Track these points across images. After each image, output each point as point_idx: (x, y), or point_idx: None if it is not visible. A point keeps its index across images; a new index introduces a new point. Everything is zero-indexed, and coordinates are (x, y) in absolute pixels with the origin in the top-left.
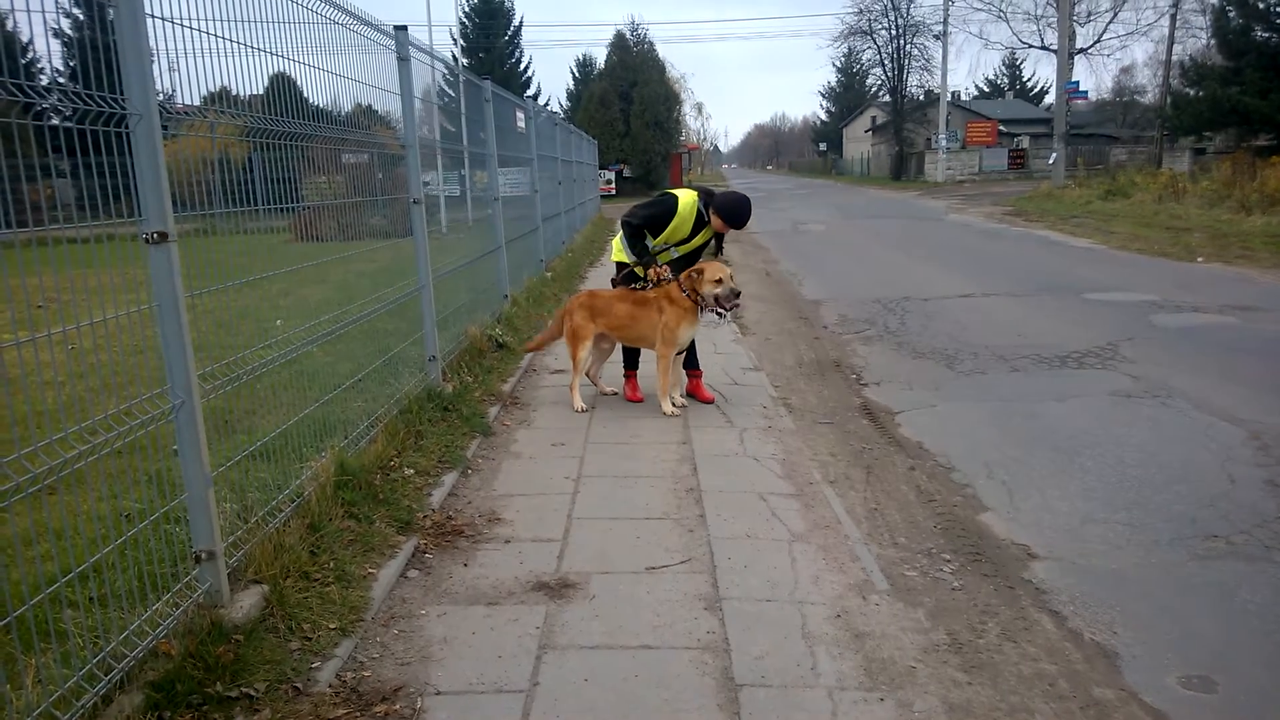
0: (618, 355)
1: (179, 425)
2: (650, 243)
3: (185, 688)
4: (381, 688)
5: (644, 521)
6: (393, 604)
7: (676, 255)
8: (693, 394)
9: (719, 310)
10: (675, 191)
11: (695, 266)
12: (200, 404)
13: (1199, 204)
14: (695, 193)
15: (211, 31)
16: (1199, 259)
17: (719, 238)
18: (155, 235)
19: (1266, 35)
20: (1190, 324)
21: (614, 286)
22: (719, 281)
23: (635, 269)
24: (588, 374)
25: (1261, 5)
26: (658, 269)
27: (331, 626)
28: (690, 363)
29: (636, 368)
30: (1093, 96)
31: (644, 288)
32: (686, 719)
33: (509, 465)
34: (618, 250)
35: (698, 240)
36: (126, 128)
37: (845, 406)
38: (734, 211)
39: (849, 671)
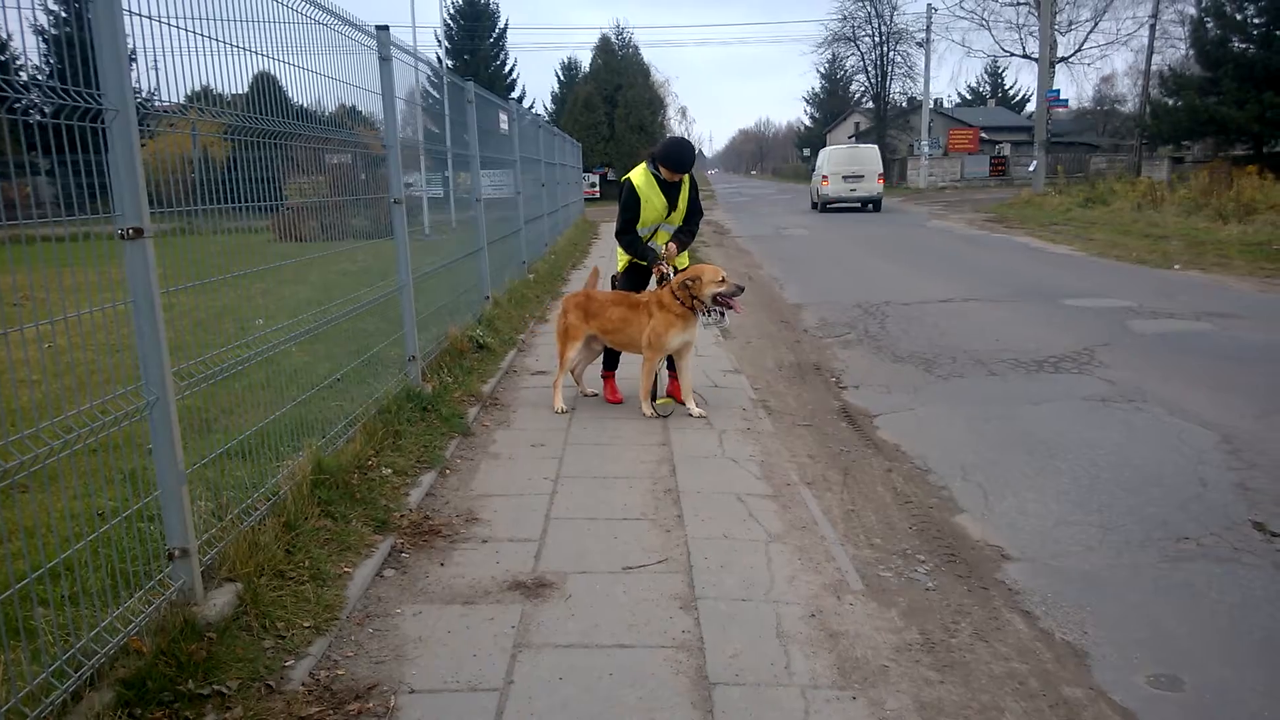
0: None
1: (153, 422)
2: (647, 237)
3: (156, 685)
4: (355, 686)
5: (622, 522)
6: (368, 603)
7: (668, 233)
8: (672, 395)
9: (723, 310)
10: (629, 174)
11: (688, 275)
12: (174, 401)
13: (1177, 212)
14: (644, 162)
15: (192, 29)
16: (1176, 266)
17: (693, 189)
18: (130, 231)
19: (1243, 46)
20: (1166, 330)
21: (613, 286)
22: (721, 281)
23: (660, 269)
24: (572, 373)
25: (1239, 17)
26: (659, 266)
27: (306, 625)
28: (670, 364)
29: (615, 369)
30: (1073, 105)
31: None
32: (660, 717)
33: (488, 465)
34: (621, 258)
35: (681, 203)
36: (102, 123)
37: (824, 409)
38: (673, 156)
39: (822, 670)
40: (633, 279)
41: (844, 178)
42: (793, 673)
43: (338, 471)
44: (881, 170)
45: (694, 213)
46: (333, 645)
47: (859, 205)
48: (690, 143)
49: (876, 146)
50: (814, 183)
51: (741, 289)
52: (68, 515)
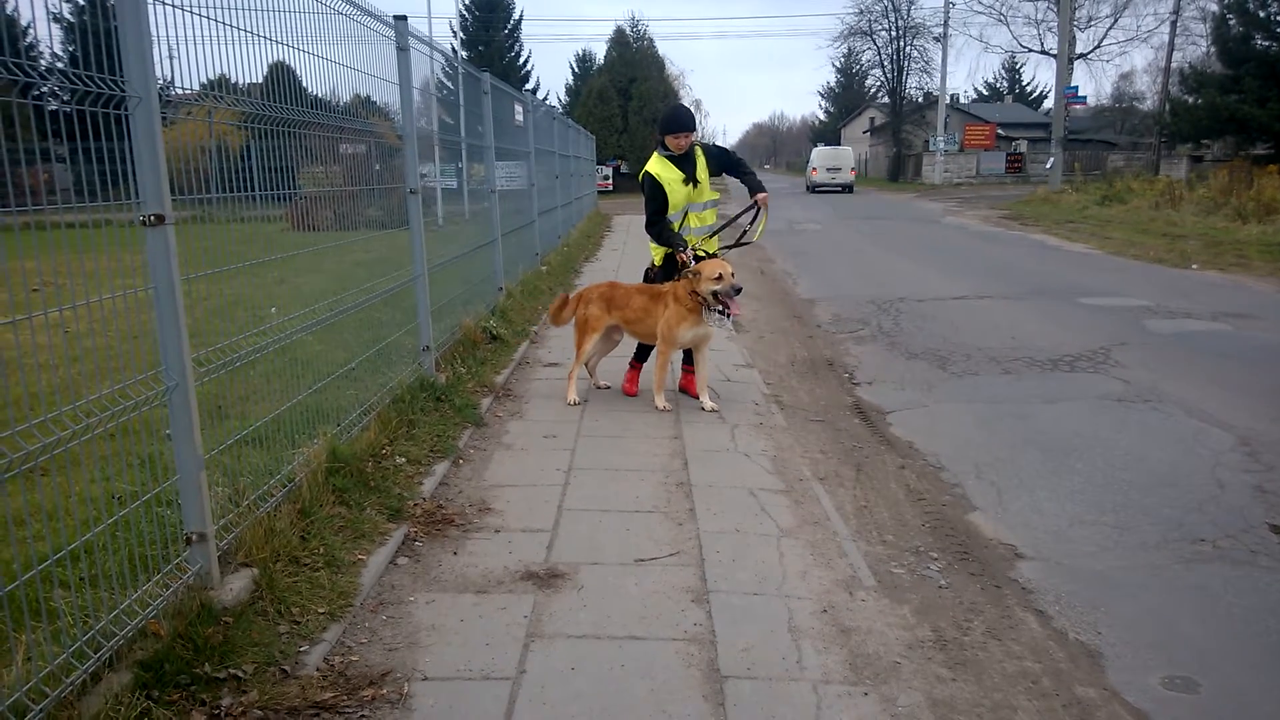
0: (617, 351)
1: (172, 407)
2: (679, 223)
3: (174, 668)
4: (369, 672)
5: (634, 514)
6: (382, 590)
7: (701, 213)
8: (685, 389)
9: (721, 309)
10: (645, 167)
11: (693, 267)
12: (194, 387)
13: (1195, 211)
14: (654, 151)
15: (212, 17)
16: (1194, 266)
17: (730, 165)
18: (153, 218)
19: (1266, 44)
20: (1183, 330)
21: (646, 279)
22: (719, 278)
23: (682, 257)
24: (586, 365)
25: (1262, 14)
26: (682, 254)
27: (320, 611)
28: (687, 358)
29: (644, 361)
30: (1091, 102)
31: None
32: (672, 709)
33: (500, 456)
34: (656, 251)
35: (700, 176)
36: (125, 110)
37: (837, 405)
38: (670, 120)
39: (834, 666)
40: (669, 271)
41: (827, 169)
42: (804, 667)
43: (352, 459)
44: (854, 165)
45: (735, 165)
46: (347, 631)
47: (838, 189)
48: (684, 105)
49: (850, 148)
50: (807, 173)
51: (739, 289)
52: (87, 499)
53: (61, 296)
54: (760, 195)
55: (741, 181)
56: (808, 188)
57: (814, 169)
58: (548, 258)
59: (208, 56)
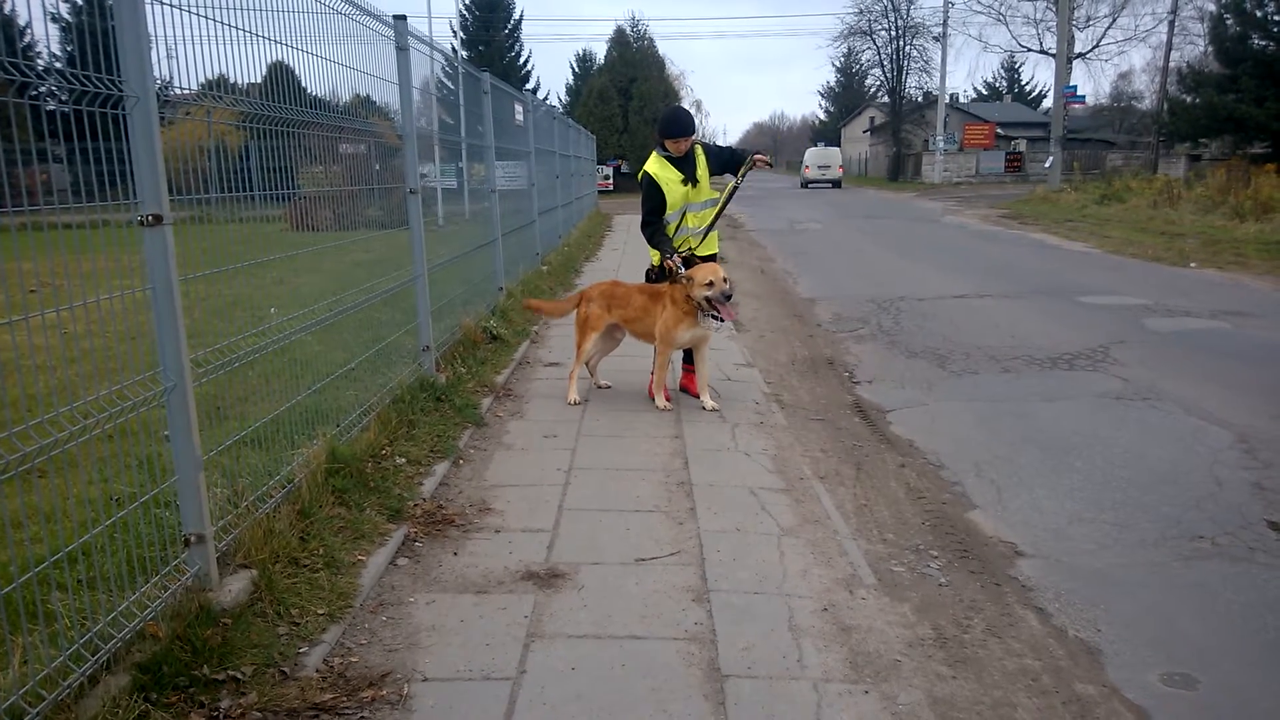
0: (620, 350)
1: (171, 408)
2: (676, 223)
3: (172, 670)
4: (369, 673)
5: (634, 514)
6: (382, 591)
7: (699, 213)
8: (685, 389)
9: (714, 315)
10: (644, 167)
11: (685, 273)
12: (192, 387)
13: (1193, 210)
14: (653, 151)
15: (210, 16)
16: (1192, 264)
17: (733, 162)
18: (150, 218)
19: (1263, 44)
20: (1182, 328)
21: (648, 279)
22: (710, 284)
23: (669, 264)
24: (587, 365)
25: (1259, 14)
26: (669, 260)
27: (320, 612)
28: (687, 357)
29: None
30: (1090, 101)
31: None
32: (672, 708)
33: (501, 456)
34: (654, 252)
35: (700, 176)
36: (123, 110)
37: (837, 404)
38: (670, 123)
39: (834, 664)
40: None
41: (818, 167)
42: (805, 666)
43: (352, 460)
44: (841, 164)
45: (735, 160)
46: (347, 632)
47: (827, 184)
48: (683, 108)
49: (838, 149)
50: (801, 170)
51: (729, 295)
52: (85, 501)
53: (59, 297)
54: (757, 155)
55: (737, 169)
56: (801, 183)
57: (807, 167)
58: (548, 257)
59: (206, 56)
